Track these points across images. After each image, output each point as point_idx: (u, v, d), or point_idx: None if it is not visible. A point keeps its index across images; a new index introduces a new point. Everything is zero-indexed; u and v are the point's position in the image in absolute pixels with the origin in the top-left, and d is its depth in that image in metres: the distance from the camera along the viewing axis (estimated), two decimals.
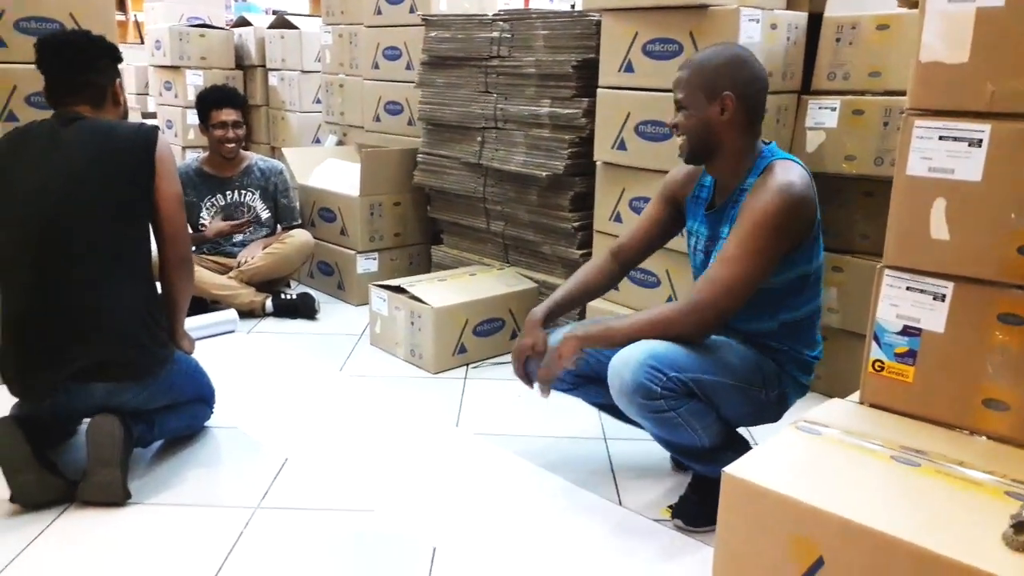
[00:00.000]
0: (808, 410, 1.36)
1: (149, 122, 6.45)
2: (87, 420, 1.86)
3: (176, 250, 1.97)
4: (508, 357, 2.80)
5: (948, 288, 1.21)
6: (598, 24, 2.62)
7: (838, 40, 2.39)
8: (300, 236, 3.39)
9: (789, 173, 1.63)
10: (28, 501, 1.78)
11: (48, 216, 1.80)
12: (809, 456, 1.13)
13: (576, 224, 2.83)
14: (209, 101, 3.32)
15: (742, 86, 1.68)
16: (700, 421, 1.65)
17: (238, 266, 3.24)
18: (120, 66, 2.06)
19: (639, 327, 1.66)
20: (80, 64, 1.93)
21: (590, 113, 2.69)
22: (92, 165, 1.83)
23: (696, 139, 1.72)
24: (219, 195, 3.35)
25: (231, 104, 3.32)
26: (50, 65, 1.92)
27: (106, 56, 1.99)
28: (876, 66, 2.32)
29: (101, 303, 1.82)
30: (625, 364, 1.60)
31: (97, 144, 1.85)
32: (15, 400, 1.92)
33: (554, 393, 2.20)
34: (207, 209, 3.34)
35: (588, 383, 1.92)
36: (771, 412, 1.80)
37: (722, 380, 1.66)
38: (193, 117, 5.12)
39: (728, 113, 1.68)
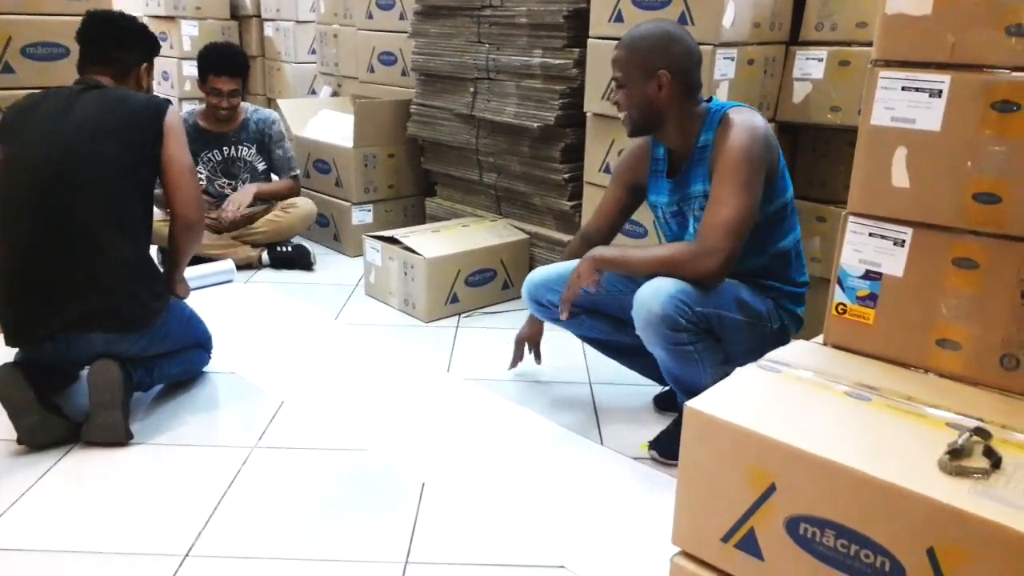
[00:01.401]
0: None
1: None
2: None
3: (185, 217, 2.03)
4: (499, 307, 2.90)
5: (907, 234, 1.26)
6: None
7: None
8: (304, 207, 3.38)
9: (746, 114, 1.76)
10: (34, 442, 1.87)
11: (53, 169, 1.86)
12: (767, 391, 1.19)
13: (567, 175, 2.87)
14: (207, 64, 3.21)
15: (676, 62, 1.77)
16: (710, 359, 1.75)
17: (221, 213, 3.20)
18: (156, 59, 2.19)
19: (654, 263, 1.74)
20: (113, 39, 2.05)
21: (581, 64, 2.71)
22: (101, 124, 1.91)
23: (637, 114, 1.82)
24: (216, 151, 3.34)
25: (229, 72, 3.20)
26: (86, 34, 2.04)
27: (140, 42, 2.12)
28: (863, 17, 2.33)
29: (97, 255, 1.88)
30: (654, 296, 1.67)
31: (109, 107, 1.94)
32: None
33: (543, 340, 2.29)
34: (203, 163, 3.32)
35: (585, 314, 2.03)
36: (775, 346, 1.86)
37: (738, 317, 1.77)
38: (189, 68, 5.14)
39: (665, 89, 1.77)
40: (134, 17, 2.15)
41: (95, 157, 1.88)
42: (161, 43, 2.33)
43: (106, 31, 2.05)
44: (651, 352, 1.77)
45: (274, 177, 3.48)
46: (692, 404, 1.15)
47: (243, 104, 3.45)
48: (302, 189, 3.52)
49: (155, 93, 2.18)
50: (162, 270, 2.14)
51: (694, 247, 1.70)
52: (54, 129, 1.89)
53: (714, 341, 1.75)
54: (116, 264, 1.90)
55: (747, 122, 1.73)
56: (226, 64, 3.21)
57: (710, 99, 1.87)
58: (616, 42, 1.86)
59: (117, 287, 1.90)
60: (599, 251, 1.83)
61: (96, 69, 2.03)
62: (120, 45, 2.05)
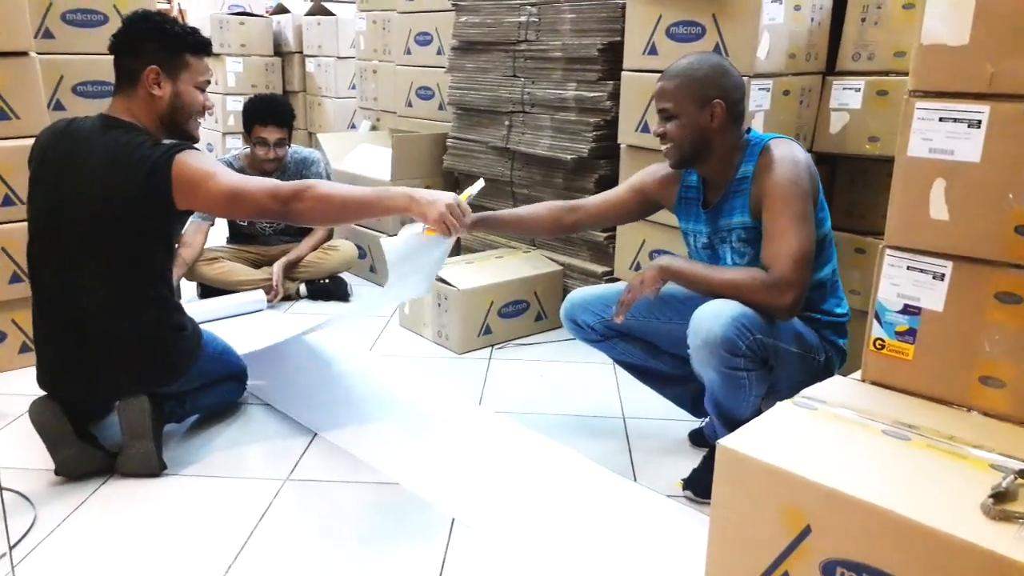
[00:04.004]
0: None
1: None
2: None
3: (267, 214, 1.84)
4: (532, 338, 2.88)
5: (947, 267, 1.23)
6: (623, 7, 2.64)
7: (863, 20, 2.38)
8: (345, 250, 3.40)
9: (786, 147, 1.75)
10: (71, 473, 1.89)
11: (64, 220, 1.82)
12: (802, 429, 1.16)
13: None
14: (254, 115, 3.20)
15: (729, 92, 1.77)
16: (758, 391, 1.71)
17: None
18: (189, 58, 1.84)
19: (723, 284, 1.70)
20: (118, 45, 1.83)
21: (615, 96, 2.72)
22: (104, 181, 1.78)
23: (688, 146, 1.80)
24: None
25: (276, 122, 3.18)
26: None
27: (150, 38, 1.79)
28: (901, 46, 2.30)
29: (116, 322, 1.85)
30: (716, 316, 1.63)
31: (112, 159, 1.77)
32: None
33: (573, 370, 2.26)
34: None
35: (619, 338, 2.02)
36: (820, 379, 1.82)
37: (793, 350, 1.74)
38: (232, 103, 5.27)
39: (717, 120, 1.76)
40: (153, 13, 1.86)
41: (100, 215, 1.77)
42: (207, 39, 1.89)
43: (118, 35, 1.80)
44: (701, 374, 1.72)
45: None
46: (725, 442, 1.12)
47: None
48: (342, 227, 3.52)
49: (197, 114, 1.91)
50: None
51: (768, 278, 1.65)
52: (65, 184, 1.79)
53: (767, 371, 1.71)
54: (137, 326, 1.87)
55: (790, 154, 1.73)
56: (272, 114, 3.19)
57: (748, 130, 1.86)
58: (659, 74, 1.84)
59: (143, 353, 1.89)
60: (667, 260, 1.79)
61: (115, 88, 1.84)
62: (126, 50, 1.79)
